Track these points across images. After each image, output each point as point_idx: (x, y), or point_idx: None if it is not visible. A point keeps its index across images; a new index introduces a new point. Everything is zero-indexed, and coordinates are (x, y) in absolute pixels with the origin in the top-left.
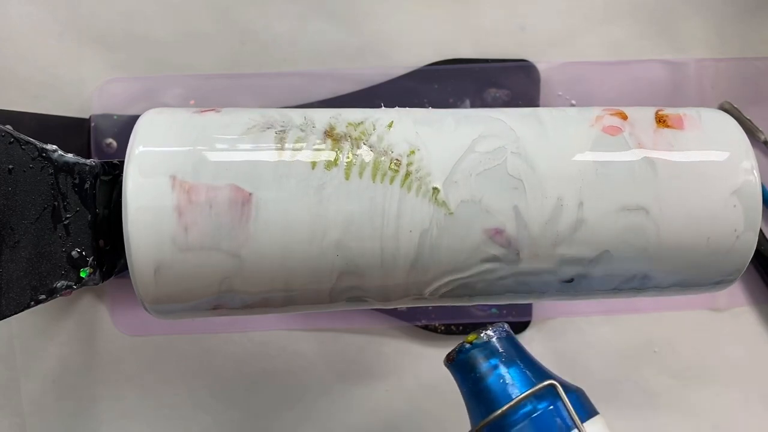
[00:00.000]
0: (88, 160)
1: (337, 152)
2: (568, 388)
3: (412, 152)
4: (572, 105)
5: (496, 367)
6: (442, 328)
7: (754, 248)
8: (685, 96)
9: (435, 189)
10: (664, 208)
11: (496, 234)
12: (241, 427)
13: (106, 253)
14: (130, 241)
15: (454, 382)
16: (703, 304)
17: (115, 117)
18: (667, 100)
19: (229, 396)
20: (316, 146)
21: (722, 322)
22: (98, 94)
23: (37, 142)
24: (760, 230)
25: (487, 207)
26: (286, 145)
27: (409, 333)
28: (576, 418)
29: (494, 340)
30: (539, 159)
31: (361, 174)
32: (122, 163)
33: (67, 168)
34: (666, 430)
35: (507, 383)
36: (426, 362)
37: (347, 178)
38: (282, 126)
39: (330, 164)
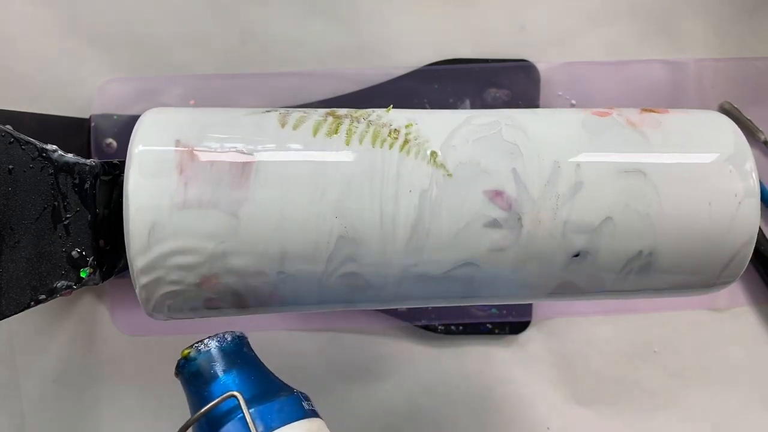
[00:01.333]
0: (88, 160)
1: (337, 124)
2: (282, 392)
3: (410, 125)
4: (572, 105)
5: (219, 376)
6: (442, 328)
7: (759, 216)
8: (685, 96)
9: (433, 153)
10: (661, 171)
11: (496, 196)
12: None
13: (106, 253)
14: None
15: (454, 382)
16: (703, 304)
17: (115, 117)
18: (667, 100)
19: None
20: (318, 121)
21: (722, 322)
22: (98, 94)
23: (37, 142)
24: (760, 230)
25: (485, 168)
26: (289, 120)
27: (409, 333)
28: (252, 425)
29: (212, 350)
30: (532, 128)
31: (361, 140)
32: (122, 163)
33: (67, 168)
34: (666, 430)
35: (223, 390)
36: (426, 362)
37: (347, 143)
38: (284, 111)
39: (330, 132)
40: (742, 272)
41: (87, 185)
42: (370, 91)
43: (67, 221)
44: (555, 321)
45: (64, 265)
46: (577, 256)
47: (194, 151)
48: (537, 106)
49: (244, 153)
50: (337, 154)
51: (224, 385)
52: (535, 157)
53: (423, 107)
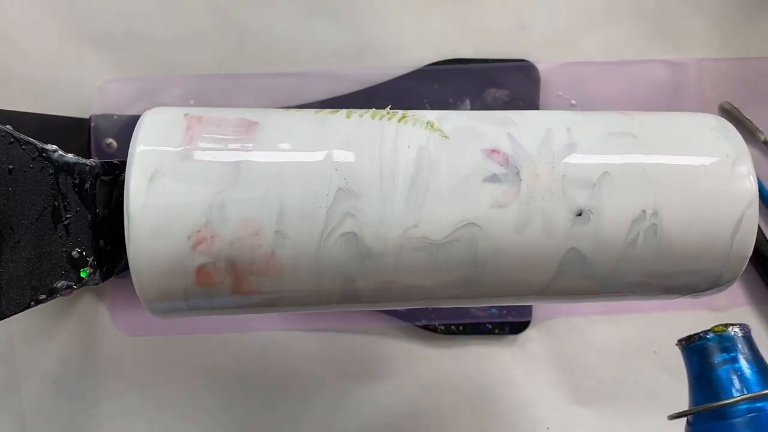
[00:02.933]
0: (88, 160)
1: (337, 110)
2: None
3: (406, 113)
4: (572, 105)
5: (732, 360)
6: (442, 328)
7: (756, 180)
8: (685, 96)
9: (430, 121)
10: (650, 134)
11: (492, 153)
12: (241, 427)
13: (106, 253)
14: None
15: (454, 382)
16: (703, 304)
17: (115, 117)
18: (667, 100)
19: (229, 396)
20: (318, 110)
21: (722, 322)
22: (98, 94)
23: (37, 142)
24: (760, 229)
25: (480, 131)
26: (291, 109)
27: (409, 333)
28: None
29: (738, 336)
30: (522, 114)
31: (361, 116)
32: (122, 163)
33: (67, 168)
34: (666, 430)
35: (737, 378)
36: (426, 362)
37: (348, 117)
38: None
39: (332, 112)
40: (754, 237)
41: (87, 185)
42: (370, 91)
43: (67, 221)
44: (555, 321)
45: (64, 265)
46: (580, 215)
47: (201, 116)
48: (537, 106)
49: (249, 119)
50: (338, 123)
51: (731, 371)
52: (527, 124)
53: (423, 107)
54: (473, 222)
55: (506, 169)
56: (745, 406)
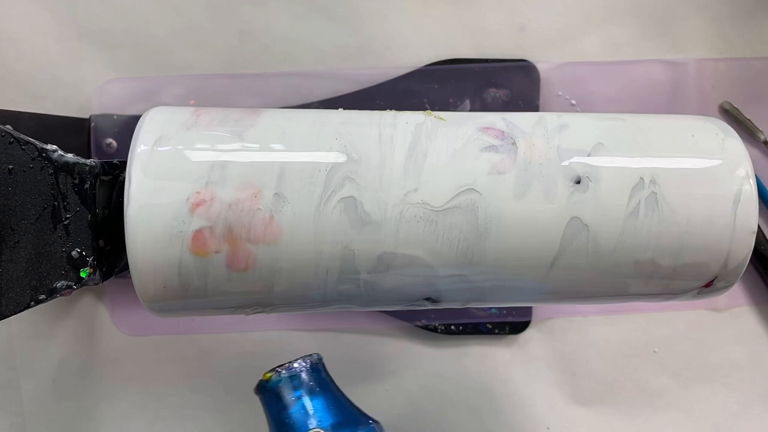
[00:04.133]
0: (88, 160)
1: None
2: (361, 424)
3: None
4: (572, 105)
5: (297, 399)
6: (442, 328)
7: (745, 151)
8: (685, 96)
9: (427, 111)
10: (638, 120)
11: (488, 129)
12: (241, 427)
13: (106, 253)
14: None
15: (454, 382)
16: (703, 304)
17: (115, 117)
18: (667, 100)
19: (229, 396)
20: None
21: (722, 322)
22: (98, 94)
23: (37, 142)
24: (760, 229)
25: (476, 115)
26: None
27: (409, 333)
28: None
29: (296, 373)
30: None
31: (359, 111)
32: (122, 163)
33: (67, 168)
34: (666, 430)
35: (306, 415)
36: (426, 362)
37: (347, 110)
38: None
39: (332, 111)
40: (756, 208)
41: (87, 185)
42: (370, 91)
43: (67, 221)
44: (555, 321)
45: (64, 265)
46: (578, 183)
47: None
48: (537, 107)
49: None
50: (339, 112)
51: (304, 410)
52: (521, 115)
53: (423, 107)
54: (472, 188)
55: (502, 141)
56: None
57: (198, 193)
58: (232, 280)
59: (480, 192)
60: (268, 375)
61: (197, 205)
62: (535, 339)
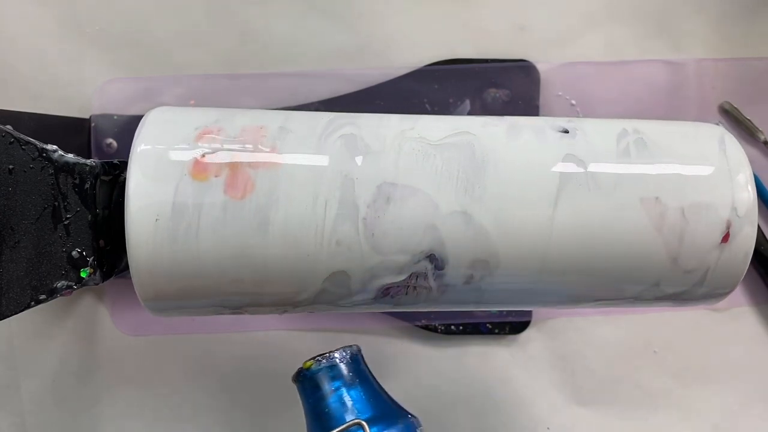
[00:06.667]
0: (89, 160)
1: None
2: (399, 419)
3: None
4: (572, 105)
5: (340, 387)
6: (442, 328)
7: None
8: (685, 96)
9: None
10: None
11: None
12: (241, 427)
13: (106, 253)
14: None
15: (454, 382)
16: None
17: (115, 117)
18: (666, 100)
19: (229, 396)
20: None
21: (722, 322)
22: (98, 94)
23: (37, 142)
24: (760, 229)
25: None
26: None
27: (409, 333)
28: None
29: (335, 364)
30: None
31: None
32: (122, 163)
33: (68, 168)
34: (666, 430)
35: (343, 407)
36: (426, 362)
37: None
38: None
39: None
40: (743, 152)
41: (87, 185)
42: (370, 91)
43: (68, 221)
44: (555, 321)
45: (64, 265)
46: (566, 132)
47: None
48: (537, 107)
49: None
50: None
51: (342, 401)
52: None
53: (423, 107)
54: (467, 131)
55: (490, 114)
56: None
57: (206, 126)
58: (227, 211)
59: (474, 134)
60: (309, 363)
61: (204, 134)
62: (535, 339)
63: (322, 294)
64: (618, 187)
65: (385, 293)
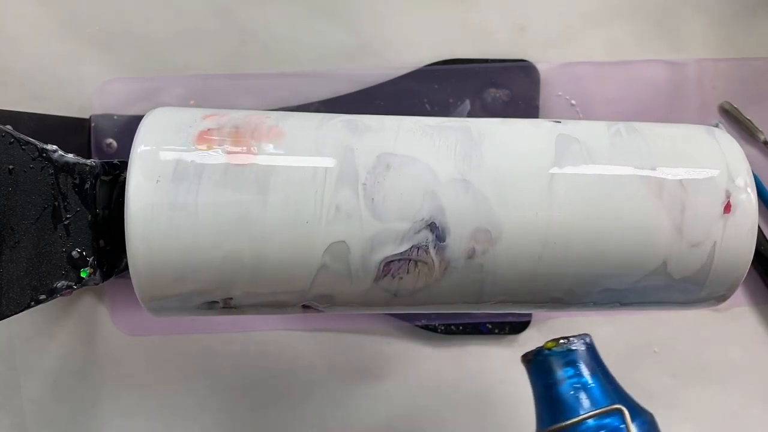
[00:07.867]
0: (89, 161)
1: None
2: (638, 413)
3: None
4: (572, 105)
5: (575, 375)
6: (442, 328)
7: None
8: (685, 96)
9: None
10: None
11: None
12: (241, 426)
13: (106, 253)
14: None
15: (454, 382)
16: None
17: (115, 117)
18: (666, 100)
19: (229, 396)
20: None
21: (722, 322)
22: (98, 94)
23: (37, 142)
24: (760, 230)
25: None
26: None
27: (409, 333)
28: None
29: (576, 349)
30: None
31: None
32: (122, 163)
33: (68, 168)
34: (666, 430)
35: (580, 395)
36: (426, 362)
37: None
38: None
39: None
40: (733, 140)
41: (87, 185)
42: (370, 91)
43: (68, 221)
44: (555, 321)
45: (64, 265)
46: (558, 122)
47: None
48: (537, 107)
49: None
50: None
51: (578, 389)
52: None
53: (423, 107)
54: (462, 120)
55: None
56: (592, 424)
57: (212, 111)
58: (227, 175)
59: (470, 121)
60: (551, 344)
61: (209, 115)
62: (535, 339)
63: (321, 271)
64: (613, 160)
65: (386, 270)
